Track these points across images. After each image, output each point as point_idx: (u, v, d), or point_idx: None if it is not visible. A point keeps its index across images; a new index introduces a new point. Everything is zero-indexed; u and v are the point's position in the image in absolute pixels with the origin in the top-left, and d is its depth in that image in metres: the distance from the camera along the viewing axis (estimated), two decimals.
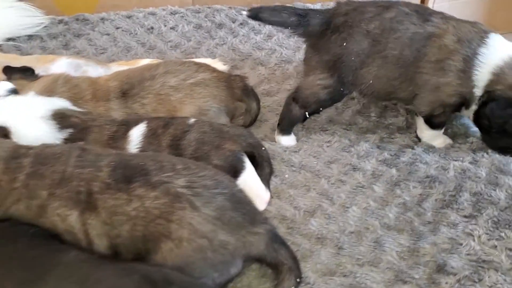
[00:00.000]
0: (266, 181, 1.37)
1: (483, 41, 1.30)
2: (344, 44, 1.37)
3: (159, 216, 1.05)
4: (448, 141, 1.45)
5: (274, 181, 1.38)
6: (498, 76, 1.28)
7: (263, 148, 1.41)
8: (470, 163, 1.36)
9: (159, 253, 1.05)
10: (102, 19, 2.02)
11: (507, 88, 1.27)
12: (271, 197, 1.33)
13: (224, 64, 1.75)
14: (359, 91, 1.43)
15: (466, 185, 1.31)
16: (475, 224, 1.21)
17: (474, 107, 1.34)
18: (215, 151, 1.33)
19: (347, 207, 1.28)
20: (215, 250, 1.06)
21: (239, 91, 1.53)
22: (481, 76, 1.29)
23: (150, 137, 1.36)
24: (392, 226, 1.23)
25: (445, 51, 1.31)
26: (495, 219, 1.21)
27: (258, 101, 1.58)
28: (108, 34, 1.96)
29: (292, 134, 1.50)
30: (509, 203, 1.25)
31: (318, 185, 1.35)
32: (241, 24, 1.98)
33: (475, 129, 1.42)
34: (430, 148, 1.42)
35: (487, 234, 1.18)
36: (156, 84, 1.47)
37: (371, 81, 1.38)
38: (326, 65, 1.39)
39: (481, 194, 1.28)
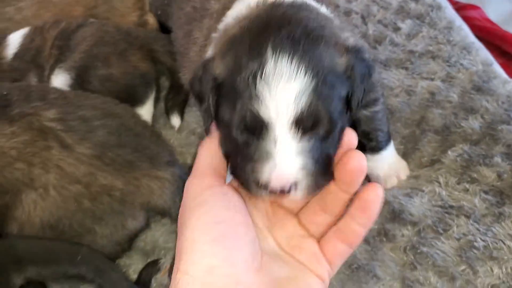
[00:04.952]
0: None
1: None
2: None
3: (17, 159, 0.76)
4: None
5: None
6: None
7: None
8: (443, 81, 1.08)
9: (20, 208, 0.77)
10: None
11: None
12: None
13: None
14: None
15: (431, 116, 1.03)
16: (439, 169, 0.95)
17: None
18: (117, 59, 1.02)
19: None
20: (95, 198, 0.78)
21: None
22: None
23: (34, 34, 1.05)
24: None
25: None
26: (465, 156, 0.96)
27: None
28: None
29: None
30: (484, 133, 0.98)
31: None
32: None
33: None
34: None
35: (455, 177, 0.94)
36: None
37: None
38: None
39: (448, 128, 1.01)
